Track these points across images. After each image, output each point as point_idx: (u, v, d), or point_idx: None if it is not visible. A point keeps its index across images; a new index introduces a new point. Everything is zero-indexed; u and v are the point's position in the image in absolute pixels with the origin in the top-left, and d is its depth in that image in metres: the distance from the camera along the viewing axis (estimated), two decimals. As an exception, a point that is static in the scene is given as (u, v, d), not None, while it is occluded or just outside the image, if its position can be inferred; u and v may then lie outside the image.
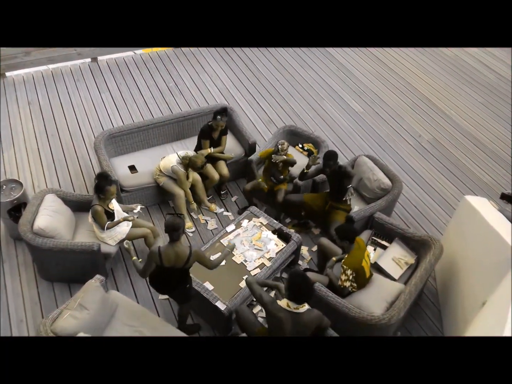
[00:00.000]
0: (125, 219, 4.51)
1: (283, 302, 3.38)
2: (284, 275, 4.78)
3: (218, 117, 5.22)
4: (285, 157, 4.97)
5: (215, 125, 5.30)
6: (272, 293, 4.37)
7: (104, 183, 4.30)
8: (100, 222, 4.40)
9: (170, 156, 5.19)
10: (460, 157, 6.60)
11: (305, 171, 4.94)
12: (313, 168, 4.95)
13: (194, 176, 5.29)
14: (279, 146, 4.95)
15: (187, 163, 5.01)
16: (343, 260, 4.07)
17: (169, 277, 3.75)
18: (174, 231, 3.50)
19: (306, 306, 3.38)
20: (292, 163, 5.08)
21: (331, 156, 4.73)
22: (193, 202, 5.25)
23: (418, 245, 4.55)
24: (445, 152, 6.67)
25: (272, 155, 5.02)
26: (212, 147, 5.40)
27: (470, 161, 6.55)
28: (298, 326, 3.38)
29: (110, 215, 4.46)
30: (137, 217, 4.78)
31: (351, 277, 4.03)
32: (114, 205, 4.57)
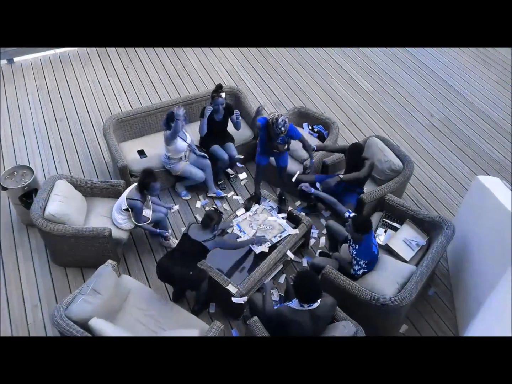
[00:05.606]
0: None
1: (294, 304, 3.34)
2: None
3: (216, 96, 5.04)
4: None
5: (215, 107, 5.10)
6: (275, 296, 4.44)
7: (149, 179, 4.32)
8: (136, 218, 4.50)
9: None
10: (472, 137, 6.48)
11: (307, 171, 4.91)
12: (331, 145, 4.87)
13: (204, 162, 5.26)
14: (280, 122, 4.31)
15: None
16: (355, 253, 4.02)
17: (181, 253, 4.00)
18: (207, 220, 3.96)
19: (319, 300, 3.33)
20: None
21: (356, 149, 4.64)
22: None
23: (429, 227, 4.51)
24: (457, 131, 6.55)
25: None
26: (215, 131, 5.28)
27: (482, 141, 6.43)
28: (317, 322, 3.34)
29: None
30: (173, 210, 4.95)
31: (364, 265, 4.06)
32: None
